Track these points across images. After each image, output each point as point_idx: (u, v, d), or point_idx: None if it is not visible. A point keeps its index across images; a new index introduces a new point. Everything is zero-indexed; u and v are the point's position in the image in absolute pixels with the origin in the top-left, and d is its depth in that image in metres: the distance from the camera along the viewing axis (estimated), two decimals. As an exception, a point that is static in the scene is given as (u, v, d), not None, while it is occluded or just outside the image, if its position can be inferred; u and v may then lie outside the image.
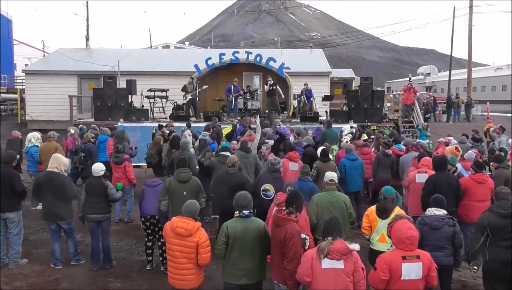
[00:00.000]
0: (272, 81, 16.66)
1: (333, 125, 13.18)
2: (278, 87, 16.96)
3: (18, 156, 7.63)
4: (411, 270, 4.10)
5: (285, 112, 17.64)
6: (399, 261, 4.12)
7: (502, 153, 9.33)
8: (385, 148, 9.73)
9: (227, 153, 8.50)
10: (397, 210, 5.46)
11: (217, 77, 19.82)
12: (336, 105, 20.60)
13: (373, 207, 5.68)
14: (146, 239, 7.08)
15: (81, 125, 14.13)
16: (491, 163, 8.38)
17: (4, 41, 30.68)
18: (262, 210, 6.54)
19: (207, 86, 17.21)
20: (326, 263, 4.03)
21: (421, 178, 7.24)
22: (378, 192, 9.21)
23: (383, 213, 5.45)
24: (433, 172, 7.31)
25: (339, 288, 3.99)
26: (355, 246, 4.04)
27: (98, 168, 7.16)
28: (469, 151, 9.11)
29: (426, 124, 16.27)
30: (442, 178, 6.94)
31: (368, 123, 15.43)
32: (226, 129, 13.51)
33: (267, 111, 16.72)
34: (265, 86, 16.74)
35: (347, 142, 10.75)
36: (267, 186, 6.99)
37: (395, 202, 5.70)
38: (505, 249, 5.00)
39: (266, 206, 6.44)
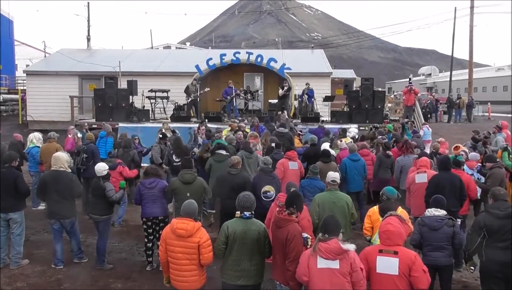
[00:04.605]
0: (287, 86, 16.64)
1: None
2: (290, 93, 17.00)
3: (18, 158, 7.62)
4: (386, 265, 4.11)
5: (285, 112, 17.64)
6: (375, 253, 4.20)
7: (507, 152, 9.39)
8: (384, 149, 9.73)
9: (223, 152, 8.55)
10: (400, 210, 5.46)
11: (218, 77, 19.82)
12: (337, 105, 20.62)
13: (375, 208, 5.68)
14: (146, 240, 7.08)
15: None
16: (486, 163, 8.41)
17: (5, 42, 30.70)
18: (261, 210, 6.53)
19: (208, 89, 17.20)
20: (322, 263, 4.04)
21: (421, 178, 7.25)
22: (379, 192, 9.31)
23: (386, 213, 5.44)
24: (433, 172, 7.33)
25: (335, 288, 3.99)
26: (350, 247, 4.02)
27: (100, 168, 7.21)
28: (473, 153, 9.15)
29: (410, 122, 16.30)
30: (445, 178, 6.95)
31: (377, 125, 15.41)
32: (226, 131, 13.51)
33: (279, 112, 16.77)
34: (280, 90, 16.72)
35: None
36: (267, 187, 7.02)
37: (397, 202, 5.70)
38: (502, 250, 4.98)
39: (266, 206, 6.49)
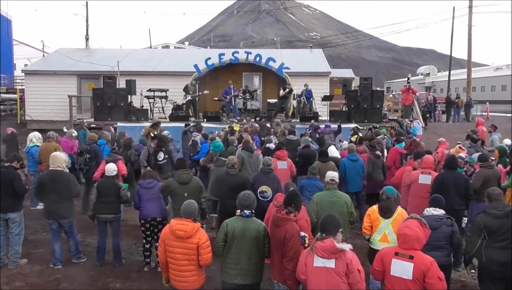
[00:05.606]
0: (289, 89, 16.60)
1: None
2: (290, 95, 17.02)
3: (21, 160, 7.62)
4: (400, 268, 4.07)
5: (283, 112, 17.66)
6: (391, 255, 4.15)
7: (508, 150, 9.39)
8: (371, 150, 9.72)
9: (224, 159, 8.58)
10: (399, 210, 5.47)
11: (217, 77, 19.81)
12: (335, 105, 20.61)
13: (375, 207, 5.67)
14: (144, 241, 7.07)
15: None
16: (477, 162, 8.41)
17: (4, 41, 30.67)
18: (258, 210, 6.51)
19: (207, 92, 17.14)
20: (318, 262, 4.06)
21: (425, 179, 7.19)
22: (373, 195, 9.29)
23: (386, 212, 5.46)
24: (436, 173, 7.31)
25: (331, 288, 3.99)
26: (344, 246, 4.00)
27: (111, 168, 7.24)
28: (475, 154, 9.14)
29: (410, 122, 16.38)
30: (449, 177, 6.98)
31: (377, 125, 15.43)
32: (236, 126, 13.54)
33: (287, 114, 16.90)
34: (281, 91, 16.70)
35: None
36: (264, 188, 7.04)
37: (397, 201, 5.71)
38: (501, 250, 5.00)
39: (263, 206, 6.49)
